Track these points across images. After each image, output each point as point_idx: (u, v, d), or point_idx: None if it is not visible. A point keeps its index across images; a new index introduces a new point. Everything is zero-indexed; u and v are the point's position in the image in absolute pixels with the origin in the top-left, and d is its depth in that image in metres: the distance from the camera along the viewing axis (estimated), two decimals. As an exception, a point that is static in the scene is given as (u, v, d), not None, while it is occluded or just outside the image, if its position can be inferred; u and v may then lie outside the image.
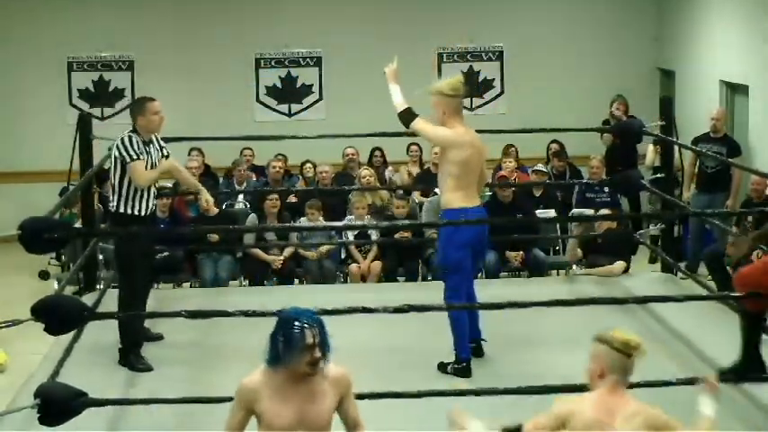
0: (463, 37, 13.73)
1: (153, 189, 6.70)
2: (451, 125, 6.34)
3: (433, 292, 7.81)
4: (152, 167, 6.62)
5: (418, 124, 6.39)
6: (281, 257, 9.72)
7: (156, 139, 6.82)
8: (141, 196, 6.58)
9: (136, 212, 6.56)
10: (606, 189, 10.58)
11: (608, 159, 11.40)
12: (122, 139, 6.55)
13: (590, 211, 10.18)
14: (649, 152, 11.44)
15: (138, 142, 6.54)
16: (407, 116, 6.43)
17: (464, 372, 6.19)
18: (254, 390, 3.86)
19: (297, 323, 3.85)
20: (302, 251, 9.77)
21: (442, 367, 6.29)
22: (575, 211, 10.61)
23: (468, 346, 6.31)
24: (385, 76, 6.73)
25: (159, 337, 6.85)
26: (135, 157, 6.50)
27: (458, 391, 5.32)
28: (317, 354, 3.82)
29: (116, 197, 6.59)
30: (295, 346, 3.81)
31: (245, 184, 11.35)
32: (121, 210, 6.56)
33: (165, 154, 6.87)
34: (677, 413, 5.56)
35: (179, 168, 7.22)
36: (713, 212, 9.34)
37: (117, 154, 6.54)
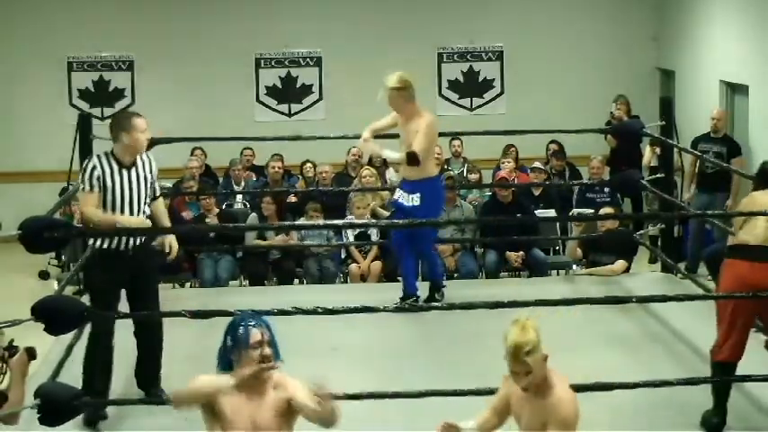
0: (463, 37, 13.73)
1: (132, 213, 5.68)
2: (415, 109, 7.27)
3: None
4: (129, 200, 5.63)
5: (418, 146, 7.16)
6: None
7: (145, 164, 5.78)
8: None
9: (113, 246, 5.60)
10: (606, 189, 10.59)
11: (611, 160, 11.42)
12: (87, 162, 5.68)
13: (590, 212, 10.18)
14: (647, 152, 11.46)
15: (107, 168, 5.60)
16: (411, 155, 7.17)
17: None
18: (216, 386, 3.88)
19: (242, 324, 3.90)
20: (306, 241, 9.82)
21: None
22: (575, 211, 10.61)
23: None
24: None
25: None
26: (87, 187, 5.56)
27: (458, 391, 5.32)
28: (267, 350, 3.83)
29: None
30: (243, 344, 3.85)
31: (242, 184, 11.36)
32: (98, 243, 5.62)
33: (157, 194, 5.92)
34: (677, 413, 5.58)
35: (161, 217, 6.04)
36: (713, 213, 9.33)
37: (80, 176, 5.69)
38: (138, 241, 5.65)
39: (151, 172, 5.79)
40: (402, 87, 7.24)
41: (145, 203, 5.73)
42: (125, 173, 5.62)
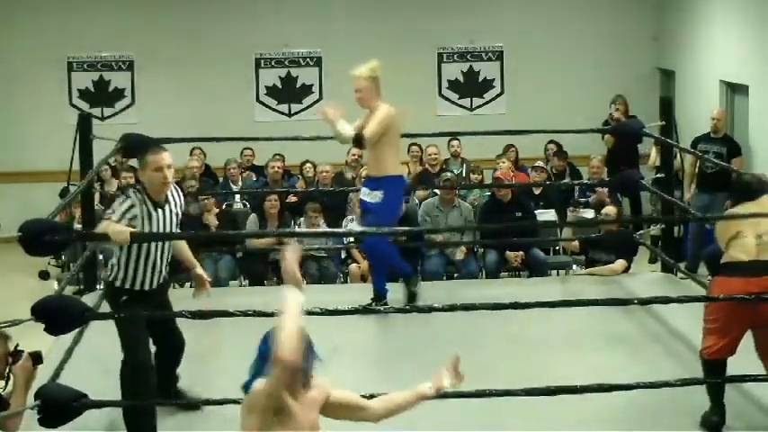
0: (463, 37, 13.74)
1: (166, 257, 5.36)
2: (381, 102, 7.07)
3: (433, 292, 7.81)
4: (161, 244, 5.29)
5: (369, 131, 6.97)
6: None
7: (176, 199, 5.38)
8: (146, 267, 5.28)
9: (137, 287, 5.27)
10: (606, 189, 10.59)
11: (609, 160, 11.42)
12: (127, 197, 5.22)
13: (591, 212, 10.18)
14: (653, 152, 11.46)
15: (144, 211, 5.19)
16: (358, 137, 7.02)
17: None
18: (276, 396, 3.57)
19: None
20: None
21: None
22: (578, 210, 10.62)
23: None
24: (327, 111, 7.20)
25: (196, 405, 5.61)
26: (116, 218, 5.15)
27: (457, 392, 5.31)
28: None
29: (115, 266, 5.28)
30: None
31: (239, 183, 11.36)
32: (117, 283, 5.26)
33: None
34: (677, 413, 5.58)
35: (184, 250, 5.69)
36: (712, 216, 9.32)
37: (116, 207, 5.23)
38: (159, 280, 5.39)
39: (181, 207, 5.46)
40: (375, 76, 7.13)
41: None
42: (159, 213, 5.26)
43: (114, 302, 5.35)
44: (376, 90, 7.12)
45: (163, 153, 5.27)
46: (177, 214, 5.39)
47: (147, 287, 5.30)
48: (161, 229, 5.25)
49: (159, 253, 5.30)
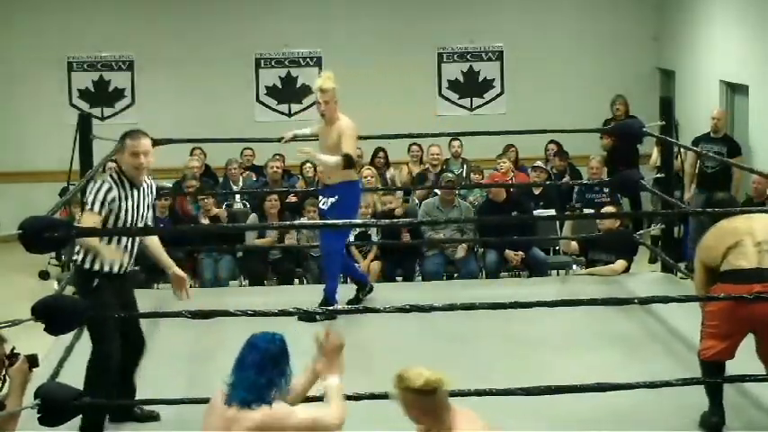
0: (463, 37, 13.73)
1: (128, 242, 5.37)
2: (337, 113, 7.21)
3: (433, 292, 7.82)
4: (133, 224, 5.33)
5: (350, 149, 7.14)
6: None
7: (149, 188, 5.48)
8: (119, 247, 5.33)
9: (106, 269, 5.29)
10: (606, 189, 10.59)
11: (609, 160, 11.41)
12: (103, 182, 5.32)
13: (590, 212, 10.18)
14: (654, 152, 11.46)
15: (117, 187, 5.29)
16: (348, 158, 7.12)
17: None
18: None
19: (279, 340, 3.99)
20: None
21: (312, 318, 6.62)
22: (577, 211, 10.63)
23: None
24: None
25: (153, 417, 5.63)
26: (90, 206, 5.24)
27: (457, 392, 5.31)
28: None
29: (82, 248, 5.32)
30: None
31: (240, 183, 11.36)
32: (86, 265, 5.30)
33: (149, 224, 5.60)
34: (677, 413, 5.58)
35: (158, 248, 5.65)
36: (713, 211, 9.31)
37: (93, 192, 5.30)
38: (128, 264, 5.44)
39: (153, 198, 5.55)
40: (334, 87, 7.22)
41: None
42: (136, 194, 5.36)
43: (85, 288, 5.34)
44: (336, 99, 7.25)
45: (142, 139, 5.35)
46: (150, 202, 5.48)
47: (116, 269, 5.32)
48: (137, 209, 5.34)
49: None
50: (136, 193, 5.36)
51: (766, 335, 5.36)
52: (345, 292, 7.62)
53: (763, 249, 5.36)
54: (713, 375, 5.40)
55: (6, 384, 4.50)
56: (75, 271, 5.50)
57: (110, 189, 5.27)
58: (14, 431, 4.49)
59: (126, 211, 5.30)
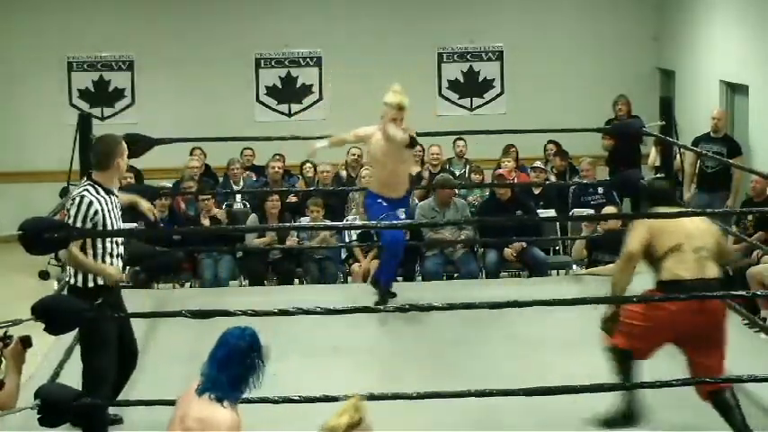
0: (463, 37, 13.73)
1: (119, 250, 5.41)
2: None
3: (433, 292, 7.82)
4: (112, 224, 5.33)
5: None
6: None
7: (115, 193, 5.50)
8: (113, 258, 5.36)
9: (100, 282, 5.29)
10: (600, 190, 10.57)
11: (610, 160, 11.40)
12: (82, 197, 5.26)
13: (590, 212, 10.18)
14: (653, 152, 11.46)
15: (99, 202, 5.27)
16: (413, 139, 7.35)
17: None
18: None
19: (252, 335, 4.00)
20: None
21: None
22: (574, 211, 10.60)
23: None
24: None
25: (117, 420, 5.67)
26: (80, 225, 5.22)
27: (457, 392, 5.32)
28: None
29: (79, 270, 5.31)
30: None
31: (241, 183, 11.36)
32: (79, 283, 5.29)
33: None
34: (677, 413, 5.58)
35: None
36: (713, 212, 9.32)
37: (73, 213, 5.26)
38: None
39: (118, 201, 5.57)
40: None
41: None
42: (112, 199, 5.38)
43: (88, 306, 5.23)
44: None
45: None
46: (118, 203, 5.50)
47: (108, 281, 5.32)
48: (116, 214, 5.36)
49: (119, 240, 5.43)
50: (113, 198, 5.40)
51: (690, 348, 5.30)
52: (351, 293, 7.63)
53: (702, 257, 5.25)
54: (621, 361, 5.38)
55: (2, 365, 4.56)
56: (71, 293, 5.37)
57: (90, 202, 5.26)
58: (13, 408, 4.54)
59: (110, 219, 5.31)
